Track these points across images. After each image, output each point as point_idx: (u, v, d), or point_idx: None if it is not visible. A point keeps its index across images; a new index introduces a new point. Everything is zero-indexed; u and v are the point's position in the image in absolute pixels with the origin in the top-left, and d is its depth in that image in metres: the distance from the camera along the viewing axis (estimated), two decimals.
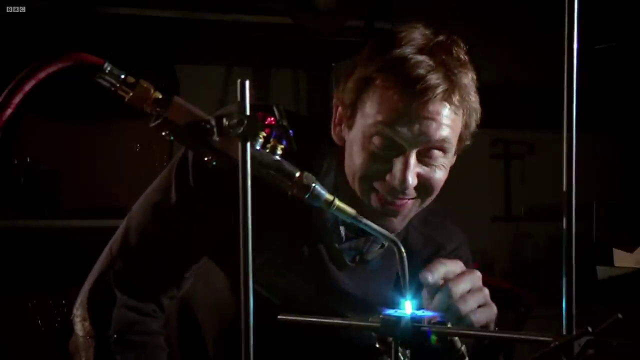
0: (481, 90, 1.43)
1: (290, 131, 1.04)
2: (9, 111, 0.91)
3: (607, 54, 3.76)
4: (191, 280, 1.53)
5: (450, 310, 1.28)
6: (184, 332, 1.65)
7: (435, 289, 1.30)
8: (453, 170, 1.46)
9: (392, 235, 1.21)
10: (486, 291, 1.34)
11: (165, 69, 3.28)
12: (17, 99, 0.92)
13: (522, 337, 1.05)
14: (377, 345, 1.11)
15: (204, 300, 1.63)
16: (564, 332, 0.88)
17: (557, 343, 0.88)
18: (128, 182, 3.04)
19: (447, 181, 1.45)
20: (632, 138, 4.23)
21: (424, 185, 1.39)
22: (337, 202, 1.17)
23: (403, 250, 1.18)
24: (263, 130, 0.96)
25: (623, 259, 3.56)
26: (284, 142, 1.06)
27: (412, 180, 1.36)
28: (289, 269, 1.51)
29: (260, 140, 0.96)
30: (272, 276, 1.50)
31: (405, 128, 1.34)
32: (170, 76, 3.29)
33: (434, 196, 1.44)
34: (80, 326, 1.46)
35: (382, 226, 1.34)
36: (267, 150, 1.07)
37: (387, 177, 1.37)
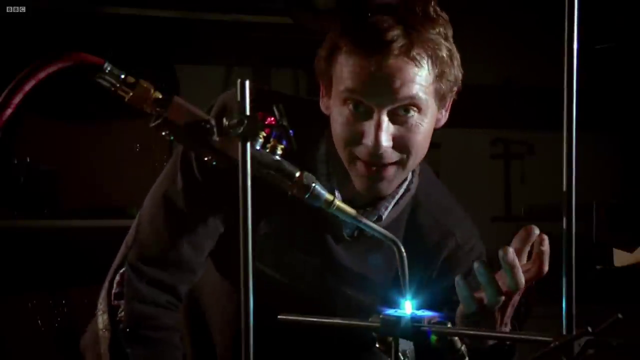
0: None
1: (291, 131, 1.04)
2: (9, 111, 0.92)
3: (607, 54, 3.75)
4: (205, 264, 1.53)
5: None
6: (194, 329, 1.66)
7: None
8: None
9: (392, 236, 1.21)
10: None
11: (165, 69, 3.28)
12: (17, 99, 0.92)
13: (522, 337, 1.05)
14: (377, 345, 1.11)
15: (209, 294, 1.63)
16: (564, 332, 0.88)
17: (557, 343, 0.88)
18: (128, 182, 3.05)
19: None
20: (632, 138, 4.23)
21: (401, 145, 1.39)
22: (337, 202, 1.17)
23: (403, 250, 1.18)
24: (263, 130, 0.96)
25: (623, 259, 3.55)
26: (284, 142, 1.06)
27: (385, 141, 1.36)
28: (290, 243, 1.52)
29: (260, 140, 0.96)
30: (275, 253, 1.51)
31: (369, 88, 1.35)
32: (170, 76, 3.29)
33: (416, 157, 1.43)
34: (101, 319, 1.47)
35: (370, 191, 1.43)
36: (267, 150, 1.07)
37: (364, 141, 1.38)
